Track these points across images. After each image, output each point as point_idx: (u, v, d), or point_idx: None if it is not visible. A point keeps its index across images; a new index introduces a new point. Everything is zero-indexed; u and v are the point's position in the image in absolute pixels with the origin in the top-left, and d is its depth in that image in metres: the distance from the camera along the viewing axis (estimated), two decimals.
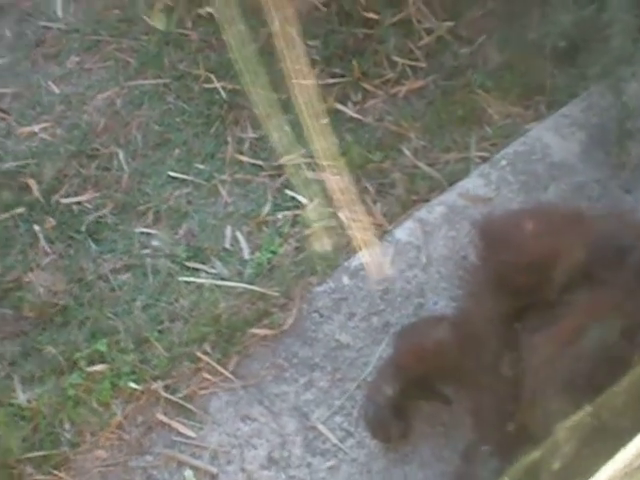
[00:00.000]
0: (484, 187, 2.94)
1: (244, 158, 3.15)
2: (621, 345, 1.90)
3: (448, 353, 2.24)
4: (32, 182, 3.09)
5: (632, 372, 1.76)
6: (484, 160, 3.05)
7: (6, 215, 3.02)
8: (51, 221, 3.00)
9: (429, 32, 3.45)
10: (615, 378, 1.81)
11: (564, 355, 1.96)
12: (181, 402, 2.57)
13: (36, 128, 3.28)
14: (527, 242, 2.15)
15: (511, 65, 3.30)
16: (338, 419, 2.52)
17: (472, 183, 2.96)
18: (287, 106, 3.23)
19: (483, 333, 2.17)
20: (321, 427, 2.50)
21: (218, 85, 3.34)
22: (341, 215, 2.93)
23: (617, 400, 1.79)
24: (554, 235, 2.11)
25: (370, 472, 2.42)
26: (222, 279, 2.82)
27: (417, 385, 2.45)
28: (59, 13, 3.66)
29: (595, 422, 1.83)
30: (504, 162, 3.01)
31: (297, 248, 2.87)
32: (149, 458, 2.50)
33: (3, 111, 3.35)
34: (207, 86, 3.36)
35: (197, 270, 2.86)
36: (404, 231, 2.85)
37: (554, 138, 3.07)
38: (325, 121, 3.08)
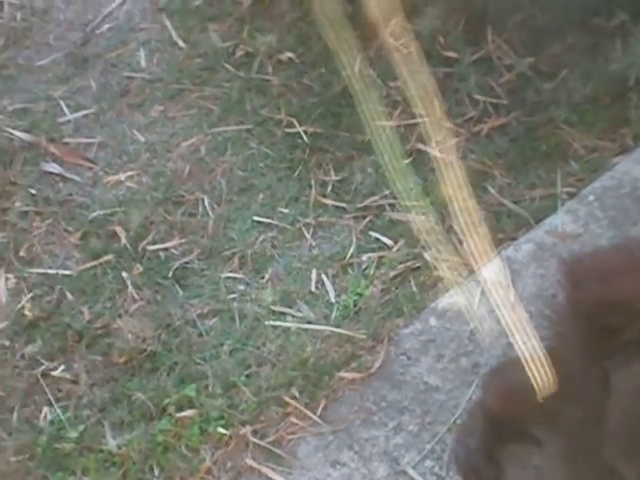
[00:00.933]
0: (572, 223, 2.89)
1: (328, 201, 3.16)
2: None
3: (536, 394, 2.19)
4: (120, 230, 3.14)
5: None
6: (571, 196, 3.00)
7: (95, 263, 3.07)
8: (139, 268, 3.04)
9: (509, 69, 3.44)
10: None
11: None
12: (270, 447, 2.56)
13: (122, 177, 3.33)
14: (615, 279, 2.10)
15: (595, 98, 3.26)
16: (428, 463, 2.48)
17: (559, 220, 2.92)
18: (369, 148, 3.24)
19: (571, 373, 2.12)
20: (411, 472, 2.46)
21: (300, 129, 3.36)
22: (427, 256, 2.91)
23: None
24: None
25: None
26: (309, 322, 2.81)
27: (507, 427, 2.40)
28: (142, 63, 3.74)
29: None
30: (592, 197, 2.96)
31: (383, 290, 2.86)
32: None
33: (90, 161, 3.42)
34: (289, 130, 3.38)
35: (283, 314, 2.86)
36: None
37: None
38: (407, 161, 3.08)
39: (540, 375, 2.24)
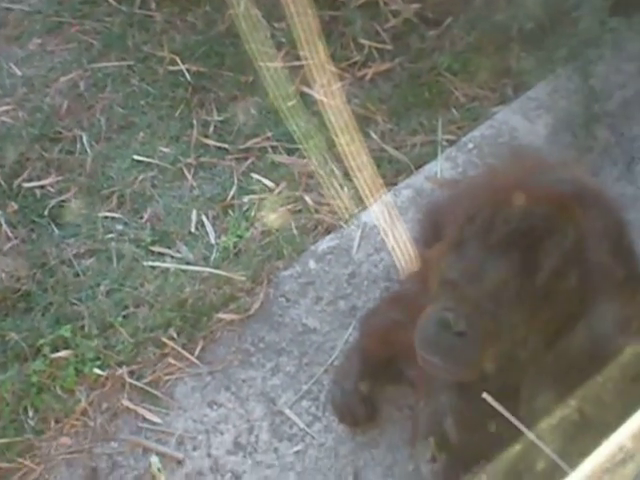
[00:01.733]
0: (451, 170, 2.94)
1: (210, 141, 3.13)
2: None
3: (407, 334, 2.21)
4: None
5: (614, 363, 1.75)
6: (451, 143, 3.04)
7: None
8: (13, 206, 2.96)
9: (396, 14, 3.44)
10: None
11: None
12: (146, 388, 2.55)
13: None
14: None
15: (478, 48, 3.30)
16: (305, 404, 2.51)
17: (439, 166, 2.96)
18: (253, 89, 3.21)
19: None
20: (288, 412, 2.49)
21: (183, 67, 3.31)
22: (308, 199, 2.91)
23: (600, 392, 1.78)
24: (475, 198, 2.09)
25: (337, 456, 2.41)
26: (188, 263, 2.79)
27: (383, 369, 2.44)
28: None
29: (578, 417, 1.82)
30: (471, 145, 3.01)
31: (263, 232, 2.85)
32: (114, 444, 2.47)
33: None
34: (172, 68, 3.32)
35: (162, 254, 2.83)
36: (371, 214, 2.84)
37: (521, 121, 3.07)
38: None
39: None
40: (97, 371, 2.57)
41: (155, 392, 2.54)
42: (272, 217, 2.87)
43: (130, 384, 2.56)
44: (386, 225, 2.58)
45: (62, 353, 2.60)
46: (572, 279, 1.85)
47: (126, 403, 2.53)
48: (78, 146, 3.12)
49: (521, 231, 1.87)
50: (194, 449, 2.45)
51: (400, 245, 2.19)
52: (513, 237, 1.86)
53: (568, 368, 1.86)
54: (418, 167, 2.98)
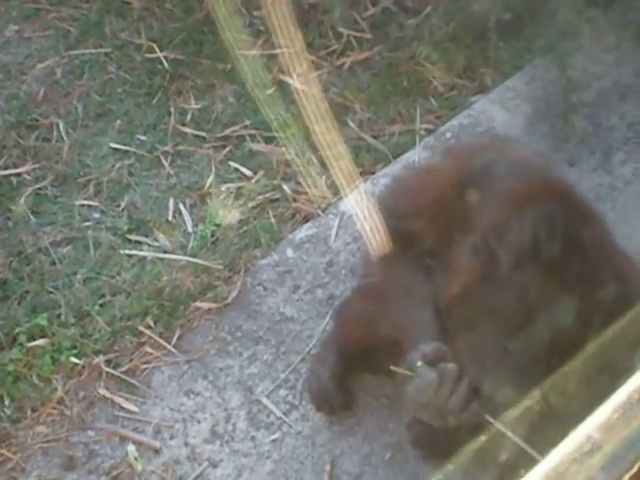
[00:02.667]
0: (429, 159, 2.94)
1: (187, 129, 3.11)
2: None
3: (380, 324, 2.21)
4: None
5: (581, 353, 1.76)
6: (429, 132, 3.05)
7: None
8: None
9: (374, 3, 3.44)
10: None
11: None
12: (123, 377, 2.54)
13: None
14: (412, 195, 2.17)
15: (456, 37, 3.30)
16: (282, 392, 2.51)
17: (417, 155, 2.96)
18: (231, 77, 3.20)
19: (396, 295, 2.14)
20: (265, 400, 2.49)
21: (160, 55, 3.30)
22: (286, 187, 2.91)
23: (566, 382, 1.78)
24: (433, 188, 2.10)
25: (314, 444, 2.41)
26: (165, 252, 2.78)
27: (359, 358, 2.44)
28: None
29: (544, 407, 1.82)
30: (449, 134, 3.02)
31: (241, 221, 2.85)
32: (91, 433, 2.47)
33: None
34: (149, 56, 3.31)
35: (139, 243, 2.82)
36: (349, 203, 2.84)
37: (498, 111, 3.07)
38: (269, 92, 3.06)
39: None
40: (74, 360, 2.56)
41: (132, 381, 2.54)
42: (250, 206, 2.87)
43: (107, 373, 2.55)
44: (362, 214, 2.58)
45: (38, 342, 2.59)
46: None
47: (103, 392, 2.52)
48: (55, 134, 3.11)
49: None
50: (171, 438, 2.45)
51: (376, 234, 2.19)
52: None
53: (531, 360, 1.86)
54: (396, 156, 2.98)
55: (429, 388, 1.81)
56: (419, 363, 1.83)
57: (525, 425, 1.76)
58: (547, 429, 1.72)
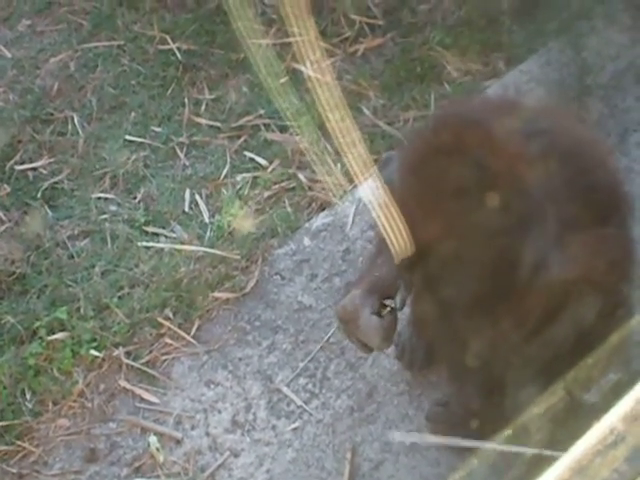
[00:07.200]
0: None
1: (202, 120, 3.11)
2: None
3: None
4: None
5: (603, 345, 1.74)
6: None
7: None
8: (6, 188, 2.95)
9: None
10: None
11: None
12: (143, 368, 2.55)
13: None
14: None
15: (469, 21, 3.28)
16: (302, 381, 2.51)
17: None
18: (244, 67, 3.20)
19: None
20: (285, 389, 2.50)
21: (173, 46, 3.29)
22: (301, 176, 2.91)
23: (589, 374, 1.77)
24: None
25: (335, 432, 2.41)
26: (182, 243, 2.79)
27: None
28: None
29: (568, 400, 1.81)
30: None
31: (257, 210, 2.85)
32: (112, 425, 2.48)
33: None
34: (162, 47, 3.31)
35: (156, 235, 2.83)
36: (365, 191, 2.83)
37: (513, 95, 3.05)
38: (283, 81, 3.05)
39: None
40: (94, 352, 2.57)
41: (152, 372, 2.55)
42: (266, 195, 2.87)
43: (127, 365, 2.56)
44: (378, 202, 2.57)
45: (58, 335, 2.60)
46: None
47: (123, 384, 2.53)
48: (70, 127, 3.11)
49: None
50: (192, 428, 2.45)
51: (391, 221, 2.17)
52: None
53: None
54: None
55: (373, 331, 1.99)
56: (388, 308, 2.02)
57: (550, 423, 1.75)
58: (573, 424, 1.70)
